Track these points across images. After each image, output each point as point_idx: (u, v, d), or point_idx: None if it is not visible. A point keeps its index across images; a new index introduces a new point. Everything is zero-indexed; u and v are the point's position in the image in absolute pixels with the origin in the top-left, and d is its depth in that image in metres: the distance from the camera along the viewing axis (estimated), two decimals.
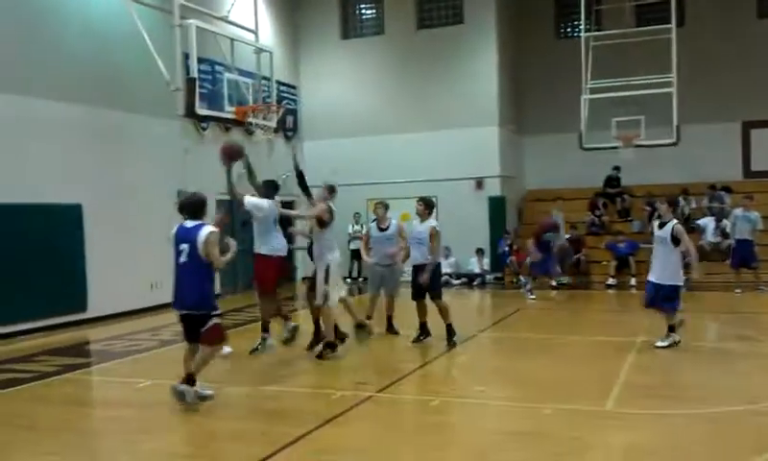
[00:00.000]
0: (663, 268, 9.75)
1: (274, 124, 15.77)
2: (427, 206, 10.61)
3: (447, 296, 16.65)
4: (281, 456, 6.01)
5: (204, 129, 17.70)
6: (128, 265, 14.76)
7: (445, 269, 19.85)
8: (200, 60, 14.34)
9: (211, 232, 7.19)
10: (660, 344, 9.77)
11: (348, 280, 20.29)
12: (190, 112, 15.06)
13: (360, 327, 10.29)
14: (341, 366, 9.42)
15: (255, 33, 15.67)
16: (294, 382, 8.64)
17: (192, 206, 7.48)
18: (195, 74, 13.59)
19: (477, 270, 19.47)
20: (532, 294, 16.13)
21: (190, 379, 7.28)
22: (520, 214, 22.06)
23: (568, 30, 22.12)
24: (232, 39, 14.68)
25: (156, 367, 9.92)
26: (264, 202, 9.64)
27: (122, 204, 14.90)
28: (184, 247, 7.22)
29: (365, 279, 20.24)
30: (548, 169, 21.72)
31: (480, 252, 19.64)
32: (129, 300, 14.74)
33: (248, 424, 7.16)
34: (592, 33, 17.90)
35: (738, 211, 16.55)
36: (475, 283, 19.11)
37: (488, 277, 19.57)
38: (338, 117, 21.39)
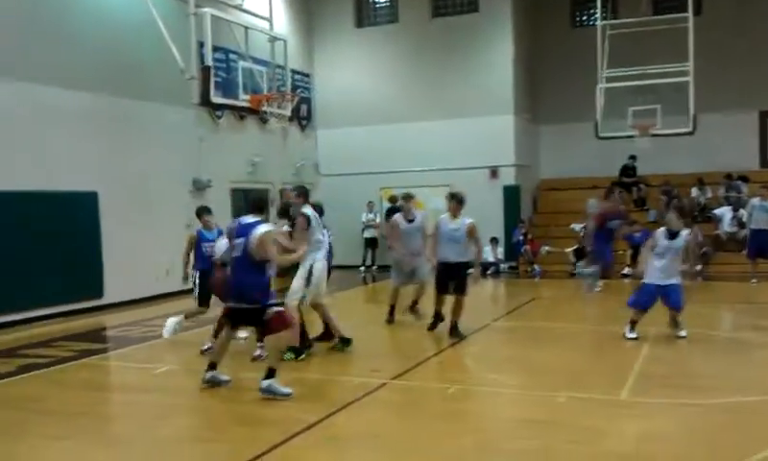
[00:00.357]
0: (671, 272, 9.68)
1: (288, 112, 15.76)
2: (460, 203, 10.25)
3: None
4: (297, 441, 6.05)
5: (219, 117, 17.75)
6: (143, 252, 14.85)
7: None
8: (214, 49, 14.34)
9: (266, 232, 7.21)
10: (682, 334, 9.73)
11: (362, 269, 20.33)
12: (205, 101, 15.08)
13: (322, 338, 9.69)
14: (355, 354, 9.44)
15: (270, 21, 15.64)
16: (309, 369, 8.67)
17: (256, 202, 7.60)
18: (210, 62, 13.61)
19: (491, 259, 19.43)
20: (597, 286, 14.90)
21: (270, 372, 7.25)
22: (535, 203, 22.01)
23: (584, 18, 21.97)
24: (247, 28, 14.67)
25: (173, 353, 9.99)
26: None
27: (137, 191, 14.97)
28: (239, 242, 7.27)
29: (379, 267, 20.33)
30: (563, 158, 21.64)
31: (494, 241, 19.60)
32: (144, 286, 14.83)
33: (264, 409, 7.20)
34: (608, 21, 17.76)
35: (756, 201, 16.42)
36: (489, 272, 19.08)
37: (502, 266, 19.55)
38: (352, 106, 21.38)
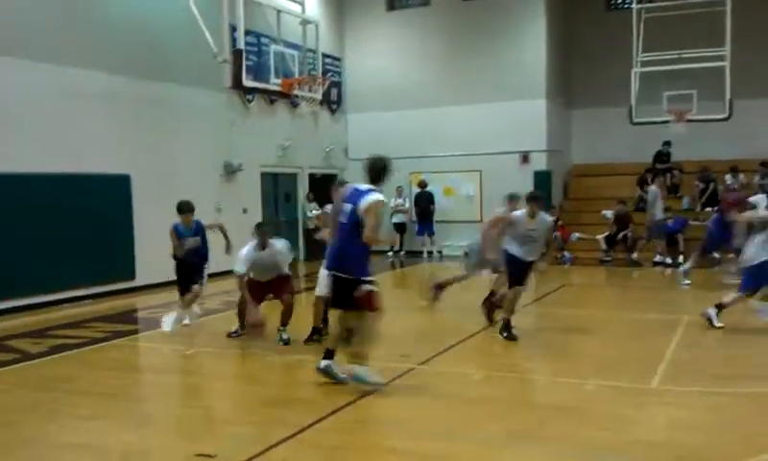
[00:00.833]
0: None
1: (319, 96, 15.76)
2: (538, 203, 9.45)
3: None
4: (325, 424, 6.08)
5: (250, 101, 17.80)
6: None
7: None
8: (246, 33, 14.34)
9: (377, 201, 6.79)
10: None
11: (390, 254, 20.31)
12: (237, 84, 15.12)
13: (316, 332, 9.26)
14: (384, 338, 9.42)
15: (302, 4, 15.64)
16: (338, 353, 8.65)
17: (374, 170, 7.08)
18: (242, 46, 13.64)
19: None
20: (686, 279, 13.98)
21: (329, 354, 7.02)
22: (566, 189, 21.80)
23: (619, 1, 21.64)
24: (279, 11, 14.65)
25: (202, 335, 10.07)
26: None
27: (168, 175, 15.07)
28: (348, 207, 6.86)
29: (407, 252, 20.31)
30: (595, 143, 21.38)
31: None
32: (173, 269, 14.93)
33: (293, 392, 7.23)
34: (644, 4, 17.45)
35: None
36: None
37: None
38: (382, 90, 21.30)
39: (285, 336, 9.00)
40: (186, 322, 10.13)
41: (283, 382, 7.51)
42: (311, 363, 7.95)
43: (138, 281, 14.27)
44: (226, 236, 11.03)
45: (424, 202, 20.42)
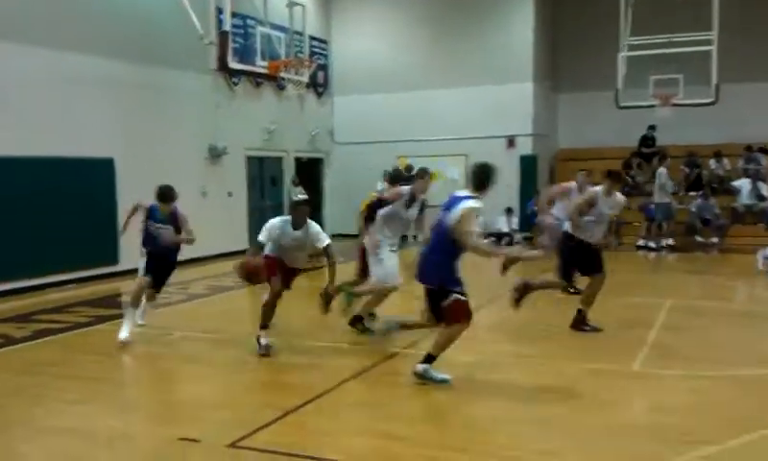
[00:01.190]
0: None
1: (305, 79, 15.72)
2: (618, 181, 8.99)
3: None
4: (311, 406, 6.12)
5: (236, 84, 17.70)
6: None
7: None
8: (232, 15, 14.29)
9: (471, 208, 6.31)
10: None
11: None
12: (223, 67, 15.05)
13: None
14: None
15: None
16: (328, 338, 8.65)
17: (478, 176, 6.59)
18: (228, 28, 13.56)
19: (505, 229, 19.37)
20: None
21: (429, 358, 6.64)
22: (552, 174, 21.84)
23: None
24: None
25: (186, 320, 10.06)
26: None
27: (153, 158, 14.96)
28: (441, 214, 6.53)
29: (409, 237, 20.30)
30: (582, 127, 21.42)
31: (509, 211, 19.52)
32: None
33: (279, 376, 7.24)
34: None
35: None
36: (503, 243, 19.02)
37: (516, 236, 19.46)
38: (369, 73, 21.23)
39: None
40: (141, 322, 9.15)
41: (269, 367, 7.50)
42: (296, 348, 7.97)
43: (122, 266, 14.17)
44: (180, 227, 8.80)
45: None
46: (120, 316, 10.73)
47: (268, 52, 14.94)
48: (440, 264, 6.51)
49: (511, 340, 8.77)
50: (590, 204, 8.55)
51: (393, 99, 20.90)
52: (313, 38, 20.17)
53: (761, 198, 17.42)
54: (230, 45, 13.87)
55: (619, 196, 8.84)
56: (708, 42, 15.96)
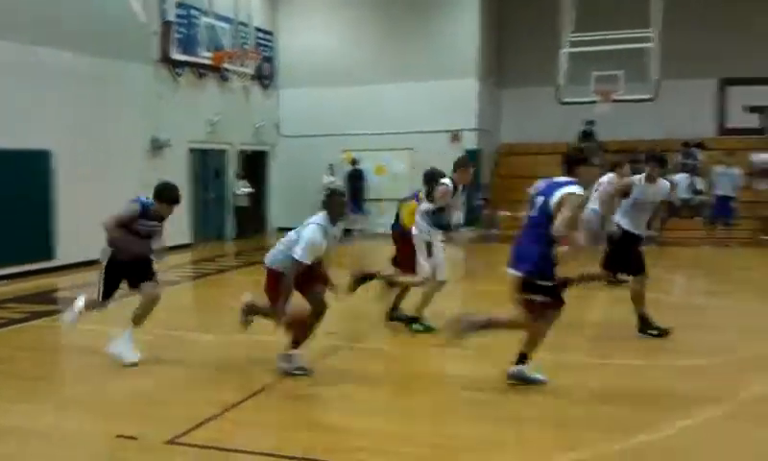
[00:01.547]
0: None
1: (251, 71, 15.59)
2: (661, 164, 8.60)
3: None
4: (251, 402, 6.10)
5: (179, 75, 17.41)
6: (99, 212, 14.49)
7: None
8: (177, 4, 14.10)
9: (572, 194, 5.95)
10: None
11: None
12: (166, 57, 14.83)
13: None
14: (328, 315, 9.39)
15: None
16: (268, 333, 8.59)
17: (572, 157, 6.38)
18: (171, 18, 13.35)
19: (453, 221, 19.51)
20: None
21: (522, 358, 6.38)
22: (495, 168, 22.08)
23: None
24: None
25: (126, 315, 9.85)
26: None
27: (93, 150, 14.67)
28: (539, 200, 6.19)
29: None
30: (524, 123, 21.70)
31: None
32: (99, 247, 14.55)
33: (221, 372, 7.16)
34: None
35: (719, 168, 16.81)
36: (448, 235, 19.15)
37: (461, 229, 19.59)
38: (316, 66, 21.13)
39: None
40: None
41: (208, 363, 7.43)
42: (236, 344, 7.89)
43: (60, 261, 13.86)
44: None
45: (355, 180, 20.44)
46: (56, 312, 10.50)
47: (212, 43, 14.78)
48: (530, 250, 6.14)
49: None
50: (625, 192, 8.32)
51: (339, 93, 20.86)
52: (259, 30, 19.98)
53: (697, 192, 17.90)
54: (174, 35, 13.70)
55: (664, 182, 8.59)
56: (648, 39, 16.34)
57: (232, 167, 19.67)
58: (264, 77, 20.74)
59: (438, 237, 8.54)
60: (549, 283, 6.09)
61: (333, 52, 21.13)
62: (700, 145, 19.30)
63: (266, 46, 20.66)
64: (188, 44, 15.57)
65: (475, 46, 20.23)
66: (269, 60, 20.92)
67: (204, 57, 14.66)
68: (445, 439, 5.36)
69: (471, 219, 19.58)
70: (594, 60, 17.10)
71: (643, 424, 5.50)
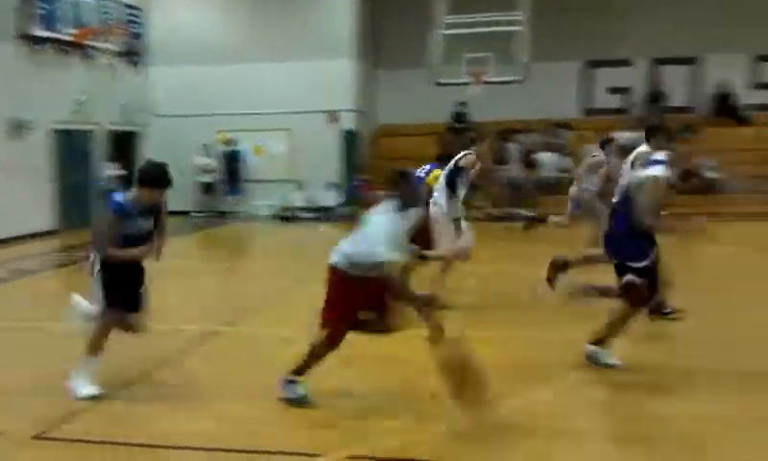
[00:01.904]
0: None
1: (116, 47, 14.99)
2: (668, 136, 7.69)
3: (301, 228, 16.86)
4: (124, 393, 5.96)
5: (40, 51, 16.43)
6: None
7: (298, 203, 19.92)
8: None
9: (656, 177, 5.76)
10: None
11: (194, 215, 19.85)
12: (26, 34, 14.03)
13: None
14: (186, 299, 9.24)
15: None
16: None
17: (651, 124, 6.21)
18: None
19: (331, 204, 19.60)
20: None
21: (598, 341, 6.23)
22: (372, 149, 22.24)
23: None
24: None
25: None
26: None
27: None
28: (633, 176, 6.08)
29: (217, 213, 19.97)
30: (401, 104, 21.88)
31: (332, 185, 19.77)
32: None
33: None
34: None
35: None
36: (327, 216, 19.24)
37: (339, 210, 19.71)
38: (189, 44, 20.49)
39: None
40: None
41: (79, 354, 7.15)
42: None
43: None
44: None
45: (231, 161, 20.14)
46: None
47: (76, 18, 14.12)
48: (619, 232, 6.03)
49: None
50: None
51: (214, 71, 20.36)
52: (127, 6, 19.19)
53: (563, 171, 18.69)
54: (35, 11, 13.00)
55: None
56: (518, 23, 16.87)
57: (100, 148, 18.85)
58: (133, 54, 19.93)
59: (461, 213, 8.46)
60: (641, 265, 5.91)
61: (206, 29, 20.59)
62: (566, 125, 20.12)
63: (135, 22, 19.87)
64: (50, 20, 14.80)
65: (351, 25, 20.25)
66: (138, 36, 20.14)
67: (68, 33, 13.99)
68: (328, 420, 5.37)
69: (349, 200, 19.66)
70: (467, 43, 17.46)
71: (505, 390, 5.73)
